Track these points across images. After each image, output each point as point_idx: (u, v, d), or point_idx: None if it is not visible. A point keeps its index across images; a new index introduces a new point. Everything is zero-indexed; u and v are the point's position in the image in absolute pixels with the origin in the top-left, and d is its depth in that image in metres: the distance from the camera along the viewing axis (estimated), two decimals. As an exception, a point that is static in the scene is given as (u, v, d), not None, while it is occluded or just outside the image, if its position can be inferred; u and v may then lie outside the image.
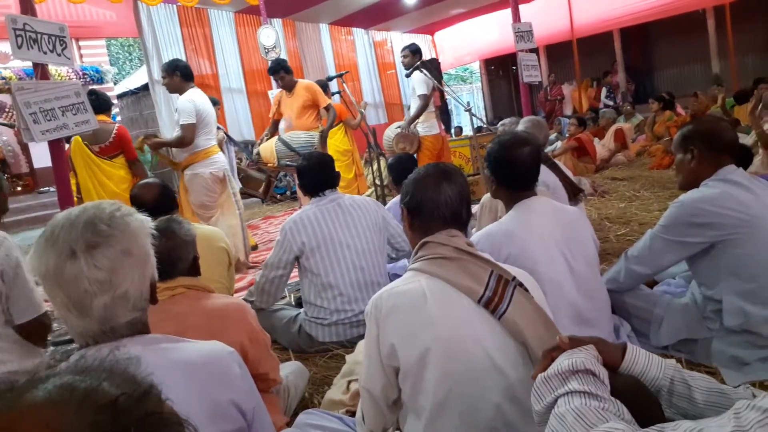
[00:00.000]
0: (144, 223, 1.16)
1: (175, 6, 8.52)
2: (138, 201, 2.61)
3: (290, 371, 2.17)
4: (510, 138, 2.12)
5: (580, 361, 0.98)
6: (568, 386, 0.95)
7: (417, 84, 5.29)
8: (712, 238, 1.99)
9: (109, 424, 0.44)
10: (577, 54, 11.58)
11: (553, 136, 7.78)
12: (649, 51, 13.02)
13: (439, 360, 1.33)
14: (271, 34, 7.29)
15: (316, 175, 2.79)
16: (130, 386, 0.49)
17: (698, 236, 2.01)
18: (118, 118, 8.93)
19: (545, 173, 3.28)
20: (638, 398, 0.99)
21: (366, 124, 5.47)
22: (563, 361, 1.00)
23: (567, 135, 7.15)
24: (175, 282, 1.80)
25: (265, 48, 7.25)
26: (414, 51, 5.30)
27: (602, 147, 6.94)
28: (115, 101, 9.08)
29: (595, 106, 11.44)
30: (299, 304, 2.96)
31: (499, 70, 14.80)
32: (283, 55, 9.40)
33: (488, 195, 3.08)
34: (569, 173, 3.58)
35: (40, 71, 2.74)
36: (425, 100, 5.30)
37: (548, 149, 6.39)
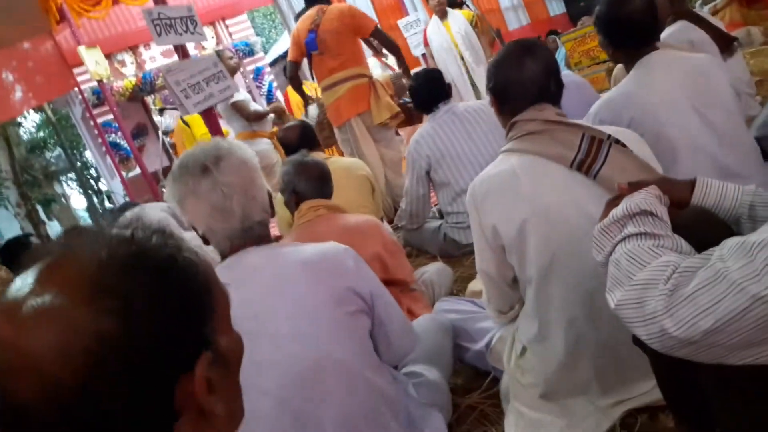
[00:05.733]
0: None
1: (300, -38, 8.79)
2: (284, 142, 2.97)
3: (433, 271, 2.34)
4: None
5: (635, 204, 0.96)
6: (625, 231, 0.94)
7: None
8: None
9: (127, 244, 0.59)
10: None
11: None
12: None
13: (537, 229, 1.37)
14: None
15: (425, 91, 2.86)
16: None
17: None
18: (275, 84, 9.57)
19: (688, 29, 2.97)
20: (703, 228, 0.95)
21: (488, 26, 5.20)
22: (619, 207, 0.98)
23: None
24: (319, 202, 2.04)
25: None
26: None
27: (780, -14, 5.87)
28: (268, 70, 9.74)
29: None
30: (441, 215, 3.10)
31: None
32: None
33: (620, 66, 2.88)
34: (720, 24, 3.18)
35: (181, 52, 3.12)
36: None
37: (708, 6, 5.61)
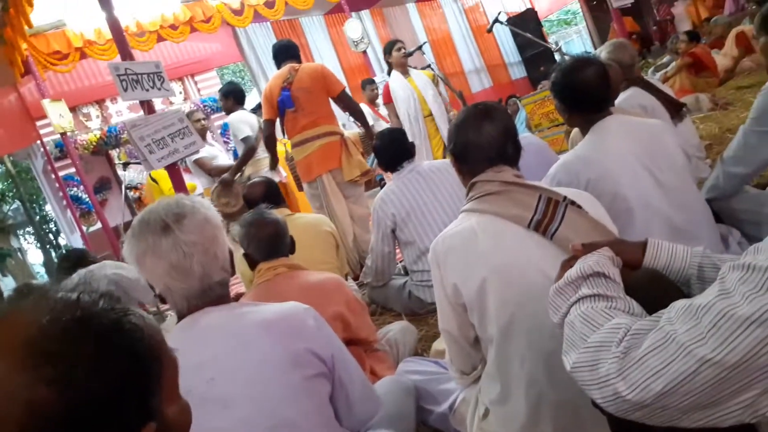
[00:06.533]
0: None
1: (268, 23, 9.02)
2: (248, 198, 2.94)
3: (397, 330, 2.31)
4: (570, 62, 2.08)
5: (588, 266, 0.98)
6: (579, 293, 0.96)
7: (236, 127, 4.44)
8: None
9: (73, 308, 0.57)
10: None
11: (667, 58, 7.20)
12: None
13: (496, 288, 1.38)
14: (356, 27, 7.48)
15: (389, 151, 2.92)
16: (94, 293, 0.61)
17: None
18: (241, 139, 9.60)
19: (640, 95, 3.12)
20: (654, 289, 0.97)
21: (449, 87, 5.36)
22: (573, 269, 1.01)
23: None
24: (278, 262, 2.01)
25: (353, 42, 7.45)
26: (226, 93, 4.69)
27: (723, 56, 6.27)
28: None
29: (718, 14, 10.26)
30: (407, 271, 3.10)
31: (602, 2, 13.79)
32: (375, 45, 9.61)
33: (576, 130, 2.99)
34: (669, 91, 3.35)
35: (147, 107, 3.13)
36: (249, 144, 4.40)
37: (659, 73, 5.94)
